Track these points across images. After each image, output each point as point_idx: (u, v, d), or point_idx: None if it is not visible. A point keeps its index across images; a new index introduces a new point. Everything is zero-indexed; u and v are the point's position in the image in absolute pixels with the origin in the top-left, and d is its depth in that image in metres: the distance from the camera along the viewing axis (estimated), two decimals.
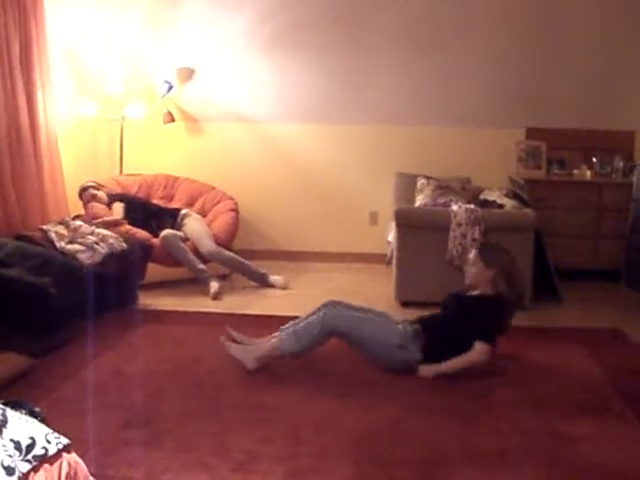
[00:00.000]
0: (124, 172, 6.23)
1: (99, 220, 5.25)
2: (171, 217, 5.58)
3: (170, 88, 6.14)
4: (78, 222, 4.87)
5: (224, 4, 6.08)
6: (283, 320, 3.87)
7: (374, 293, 5.12)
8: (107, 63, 6.12)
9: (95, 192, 5.51)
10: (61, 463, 1.79)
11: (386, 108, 6.18)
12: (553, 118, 5.99)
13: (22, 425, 1.79)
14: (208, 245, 5.36)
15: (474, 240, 4.70)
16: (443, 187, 5.45)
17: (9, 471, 1.65)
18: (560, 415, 3.21)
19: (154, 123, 6.28)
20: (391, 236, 5.35)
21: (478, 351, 3.57)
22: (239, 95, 6.30)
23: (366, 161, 6.28)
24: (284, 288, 5.38)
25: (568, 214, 5.63)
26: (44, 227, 4.65)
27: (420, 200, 5.43)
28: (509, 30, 5.89)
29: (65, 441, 1.83)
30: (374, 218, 6.30)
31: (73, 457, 1.85)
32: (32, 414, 2.25)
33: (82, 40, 6.02)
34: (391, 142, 6.22)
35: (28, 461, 1.71)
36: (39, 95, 5.11)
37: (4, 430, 1.74)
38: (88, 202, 5.50)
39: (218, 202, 6.00)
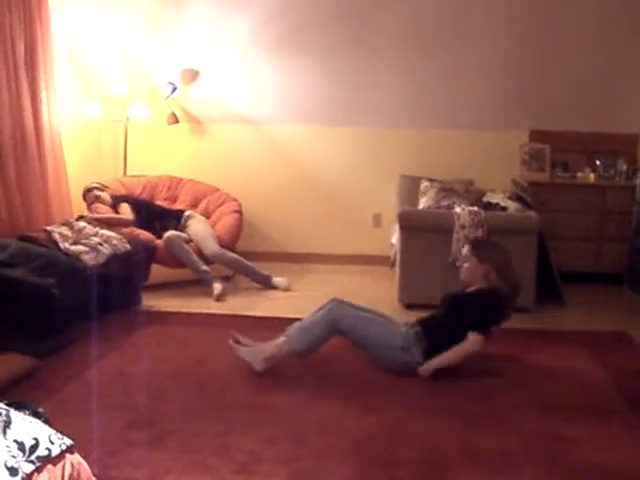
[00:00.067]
0: (128, 173, 6.24)
1: (111, 216, 5.33)
2: (175, 218, 5.59)
3: (174, 89, 6.15)
4: (82, 223, 4.88)
5: (228, 5, 6.09)
6: (286, 322, 3.87)
7: (377, 295, 5.12)
8: (111, 64, 6.13)
9: (99, 193, 5.52)
10: (64, 464, 1.80)
11: (390, 110, 6.18)
12: (557, 121, 5.98)
13: (26, 426, 1.80)
14: (212, 246, 5.36)
15: None
16: (447, 189, 5.45)
17: (12, 472, 1.65)
18: (562, 417, 3.21)
19: (158, 124, 6.29)
20: (394, 238, 5.35)
21: (471, 341, 3.58)
22: (243, 96, 6.31)
23: (370, 163, 6.28)
24: (287, 290, 5.39)
25: (571, 217, 5.63)
26: (48, 228, 4.66)
27: (423, 202, 5.43)
28: (512, 33, 5.89)
29: (68, 442, 1.83)
30: (377, 220, 6.31)
31: (76, 458, 1.86)
32: (36, 415, 2.26)
33: (86, 41, 6.03)
34: (395, 144, 6.22)
35: (31, 462, 1.71)
36: (43, 96, 5.12)
37: (8, 431, 1.74)
38: (92, 203, 5.51)
39: (222, 203, 6.01)
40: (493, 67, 5.96)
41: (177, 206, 5.95)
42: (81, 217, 5.12)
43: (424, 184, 5.61)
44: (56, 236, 4.53)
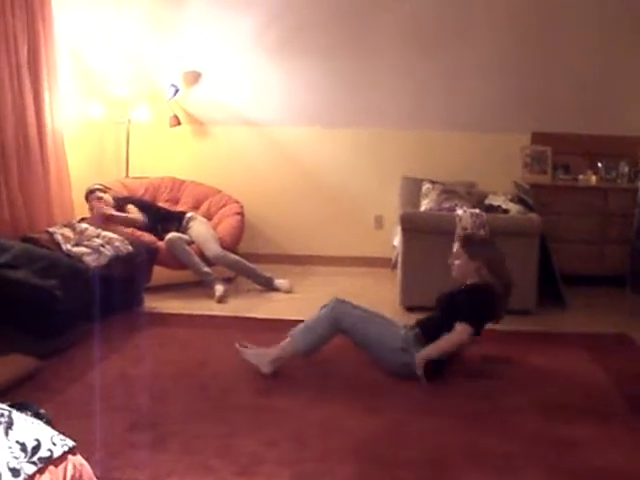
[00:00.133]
0: (130, 175, 6.24)
1: (125, 215, 5.38)
2: (177, 220, 5.59)
3: (176, 92, 6.16)
4: (84, 225, 4.89)
5: (230, 7, 6.10)
6: (288, 324, 3.88)
7: (379, 297, 5.12)
8: (113, 66, 6.14)
9: (102, 195, 5.52)
10: (66, 465, 1.80)
11: (391, 111, 6.18)
12: (559, 123, 5.98)
13: (28, 427, 1.80)
14: (213, 248, 5.37)
15: None
16: (448, 191, 5.45)
17: (15, 473, 1.66)
18: (563, 419, 3.22)
19: (160, 126, 6.30)
20: (396, 240, 5.35)
21: (458, 331, 3.58)
22: (245, 98, 6.31)
23: (371, 165, 6.28)
24: (289, 292, 5.39)
25: (573, 219, 5.62)
26: (50, 229, 4.67)
27: (425, 204, 5.43)
28: (513, 34, 5.88)
29: (70, 443, 1.84)
30: (379, 222, 6.31)
31: (78, 459, 1.86)
32: (38, 416, 2.27)
33: (89, 43, 6.03)
34: (397, 146, 6.22)
35: (33, 463, 1.71)
36: (46, 97, 5.12)
37: (10, 432, 1.75)
38: (94, 205, 5.52)
39: (224, 205, 6.01)
40: (494, 68, 5.96)
41: (179, 208, 5.95)
42: (83, 219, 5.13)
43: (426, 186, 5.61)
44: (58, 237, 4.54)
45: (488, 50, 5.94)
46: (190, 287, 5.32)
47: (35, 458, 1.72)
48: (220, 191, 6.13)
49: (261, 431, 3.03)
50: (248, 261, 5.50)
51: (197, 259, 5.28)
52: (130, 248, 4.76)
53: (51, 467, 1.75)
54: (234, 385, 3.54)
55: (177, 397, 3.40)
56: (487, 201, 5.41)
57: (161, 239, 5.31)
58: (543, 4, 5.85)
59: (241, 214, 5.93)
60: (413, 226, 4.90)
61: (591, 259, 5.66)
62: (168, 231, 5.39)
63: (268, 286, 5.42)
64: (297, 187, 6.34)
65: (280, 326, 4.06)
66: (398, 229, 5.09)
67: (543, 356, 4.07)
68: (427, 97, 6.10)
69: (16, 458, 1.69)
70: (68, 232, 4.68)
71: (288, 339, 3.65)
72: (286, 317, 4.48)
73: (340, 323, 3.65)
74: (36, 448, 1.74)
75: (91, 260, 4.41)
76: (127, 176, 6.22)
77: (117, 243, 4.71)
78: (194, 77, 6.29)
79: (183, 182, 6.22)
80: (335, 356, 3.82)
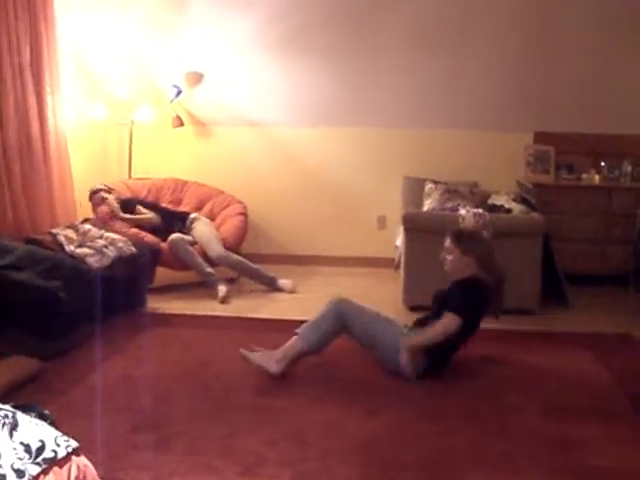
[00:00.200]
0: (133, 176, 6.25)
1: (139, 217, 5.42)
2: (180, 221, 5.60)
3: (179, 93, 6.17)
4: (87, 226, 4.89)
5: (232, 7, 6.09)
6: (291, 324, 3.88)
7: (382, 297, 5.12)
8: (116, 67, 6.15)
9: (106, 195, 5.54)
10: (70, 466, 1.80)
11: (394, 111, 6.18)
12: (561, 122, 5.97)
13: (32, 428, 1.81)
14: (216, 249, 5.37)
15: None
16: (451, 191, 5.45)
17: (19, 474, 1.66)
18: (566, 419, 3.21)
19: (163, 127, 6.30)
20: (399, 240, 5.35)
21: (445, 321, 3.59)
22: (247, 99, 6.32)
23: (374, 164, 6.28)
24: (292, 292, 5.39)
25: (576, 219, 5.61)
26: (53, 231, 4.67)
27: (428, 204, 5.43)
28: (516, 33, 5.87)
29: (74, 444, 1.84)
30: (382, 222, 6.31)
31: (82, 460, 1.86)
32: (42, 417, 2.26)
33: (91, 44, 6.04)
34: (399, 145, 6.22)
35: (38, 464, 1.72)
36: (49, 99, 5.13)
37: (14, 433, 1.75)
38: (98, 205, 5.53)
39: (227, 206, 6.02)
40: (497, 68, 5.95)
41: (182, 208, 5.96)
42: (86, 220, 5.14)
43: (428, 186, 5.61)
44: (61, 239, 4.55)
45: (490, 49, 5.93)
46: (193, 288, 5.33)
47: (39, 459, 1.73)
48: (223, 192, 6.14)
49: (264, 431, 3.03)
50: (251, 261, 5.50)
51: (200, 260, 5.28)
52: (133, 249, 4.77)
53: (55, 468, 1.76)
54: (237, 386, 3.55)
55: (180, 398, 3.40)
56: (490, 201, 5.41)
57: (164, 240, 5.31)
58: (545, 4, 5.84)
59: (244, 214, 5.93)
60: (416, 226, 4.90)
61: (594, 258, 5.65)
62: (171, 232, 5.39)
63: (271, 286, 5.42)
64: (300, 187, 6.35)
65: (284, 326, 4.07)
66: (401, 229, 5.09)
67: (546, 356, 4.07)
68: (430, 97, 6.10)
69: (20, 459, 1.69)
70: (71, 233, 4.69)
71: (295, 337, 3.65)
72: (289, 317, 4.49)
73: (344, 318, 3.67)
74: (40, 449, 1.75)
75: (94, 261, 4.42)
76: (130, 177, 6.23)
77: (120, 244, 4.72)
78: (196, 78, 6.30)
79: (186, 183, 6.22)
80: (337, 358, 3.82)
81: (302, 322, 3.76)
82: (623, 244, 5.59)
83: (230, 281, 5.43)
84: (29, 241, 4.44)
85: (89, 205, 5.57)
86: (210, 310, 4.91)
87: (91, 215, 5.51)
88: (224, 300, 5.10)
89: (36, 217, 4.98)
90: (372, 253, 6.26)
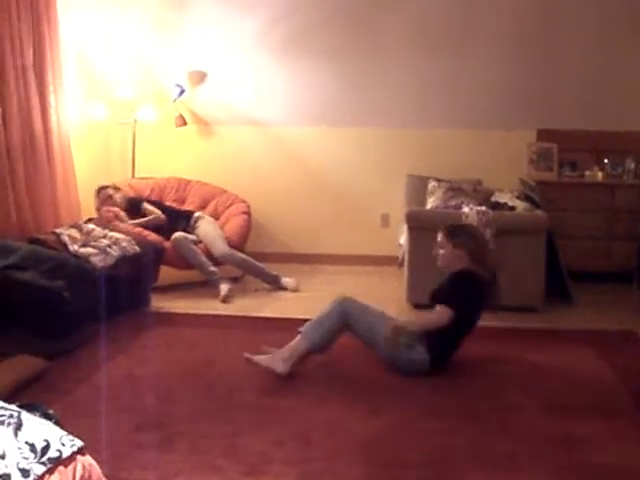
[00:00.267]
0: (136, 175, 6.26)
1: (140, 221, 5.42)
2: (184, 219, 5.62)
3: (182, 92, 6.17)
4: (91, 225, 4.90)
5: (235, 7, 6.11)
6: (295, 323, 3.88)
7: (385, 295, 5.12)
8: (119, 67, 6.16)
9: (112, 192, 5.57)
10: (75, 465, 1.81)
11: (397, 110, 6.18)
12: (564, 120, 5.97)
13: (37, 428, 1.81)
14: (221, 247, 5.38)
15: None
16: (454, 189, 5.44)
17: (24, 473, 1.66)
18: (569, 417, 3.21)
19: (166, 126, 6.31)
20: (402, 238, 5.35)
21: (437, 312, 3.63)
22: (250, 98, 6.32)
23: (377, 163, 6.28)
24: (295, 290, 5.39)
25: (580, 216, 5.61)
26: (57, 230, 4.68)
27: (431, 202, 5.43)
28: (519, 32, 5.88)
29: (79, 443, 1.84)
30: (385, 220, 6.31)
31: (87, 459, 1.87)
32: (46, 416, 2.27)
33: (94, 44, 6.06)
34: (402, 144, 6.22)
35: (43, 463, 1.72)
36: (52, 99, 5.15)
37: (19, 433, 1.76)
38: (104, 202, 5.54)
39: (230, 205, 6.03)
40: (499, 67, 5.95)
41: (184, 207, 5.97)
42: (89, 220, 5.15)
43: (432, 184, 5.61)
44: (65, 238, 4.55)
45: (492, 49, 5.94)
46: (197, 287, 5.33)
47: (44, 459, 1.73)
48: (226, 191, 6.14)
49: (267, 431, 3.03)
50: (255, 260, 5.51)
51: (203, 258, 5.29)
52: (137, 248, 4.78)
53: (60, 467, 1.76)
54: (240, 385, 3.55)
55: (184, 397, 3.40)
56: (493, 198, 5.40)
57: (167, 239, 5.32)
58: (545, 5, 5.86)
59: (247, 213, 5.94)
60: (419, 224, 4.90)
61: (598, 256, 5.65)
62: (175, 230, 5.40)
63: (275, 284, 5.43)
64: (303, 186, 6.35)
65: (287, 325, 4.07)
66: (404, 227, 5.09)
67: (549, 353, 4.07)
68: (432, 96, 6.10)
69: (26, 459, 1.70)
70: (75, 233, 4.69)
71: (299, 336, 3.65)
72: (293, 316, 4.49)
73: (347, 316, 3.67)
74: (45, 449, 1.75)
75: (98, 261, 4.42)
76: (133, 177, 6.24)
77: (124, 243, 4.72)
78: (199, 77, 6.30)
79: (189, 182, 6.23)
80: (340, 357, 3.82)
81: (306, 321, 3.76)
82: (626, 241, 5.59)
83: (234, 280, 5.43)
84: (33, 241, 4.44)
85: (92, 204, 5.59)
86: (214, 309, 4.91)
87: (94, 215, 5.52)
88: (225, 299, 5.10)
89: (40, 217, 4.99)
90: (376, 251, 6.26)
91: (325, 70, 6.15)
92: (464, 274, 3.74)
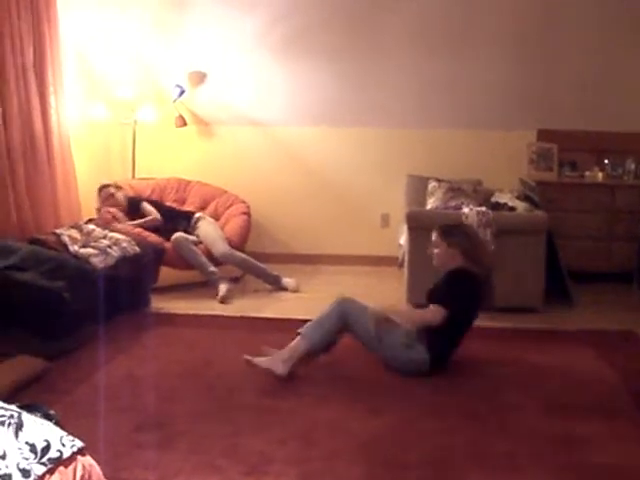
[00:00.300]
0: (137, 176, 6.26)
1: (141, 221, 5.41)
2: (185, 220, 5.62)
3: (182, 92, 6.17)
4: (91, 226, 4.90)
5: (235, 7, 6.11)
6: (295, 323, 3.88)
7: (385, 296, 5.11)
8: (119, 67, 6.16)
9: (114, 191, 5.58)
10: (76, 466, 1.81)
11: (397, 110, 6.18)
12: (564, 120, 5.97)
13: (37, 428, 1.81)
14: (221, 247, 5.38)
15: (486, 243, 4.71)
16: (454, 189, 5.44)
17: (25, 474, 1.67)
18: (570, 417, 3.21)
19: (166, 127, 6.31)
20: (403, 239, 5.35)
21: (430, 311, 3.64)
22: (250, 98, 6.32)
23: (377, 163, 6.29)
24: (295, 291, 5.39)
25: (580, 216, 5.61)
26: (57, 231, 4.68)
27: (431, 203, 5.43)
28: (519, 32, 5.88)
29: (80, 444, 1.84)
30: (385, 220, 6.31)
31: (88, 460, 1.87)
32: (47, 417, 2.28)
33: (94, 45, 6.06)
34: (402, 144, 6.22)
35: (43, 464, 1.72)
36: (52, 100, 5.15)
37: (20, 433, 1.76)
38: (105, 200, 5.55)
39: (230, 205, 6.03)
40: (499, 67, 5.96)
41: (186, 208, 5.97)
42: (90, 221, 5.15)
43: (432, 184, 5.61)
44: (65, 239, 4.55)
45: (492, 49, 5.94)
46: (197, 287, 5.33)
47: (45, 459, 1.73)
48: (226, 191, 6.14)
49: (268, 431, 3.03)
50: (255, 260, 5.51)
51: (203, 258, 5.29)
52: (137, 249, 4.78)
53: (61, 468, 1.76)
54: (240, 385, 3.55)
55: (184, 397, 3.40)
56: (493, 199, 5.40)
57: (167, 239, 5.32)
58: (546, 4, 5.86)
59: (247, 214, 5.94)
60: (419, 224, 4.90)
61: (598, 256, 5.65)
62: (176, 231, 5.40)
63: (275, 284, 5.43)
64: (303, 186, 6.35)
65: (287, 326, 4.07)
66: (404, 227, 5.09)
67: (549, 353, 4.07)
68: (432, 96, 6.10)
69: (26, 459, 1.70)
70: (75, 233, 4.69)
71: (299, 338, 3.65)
72: (293, 316, 4.49)
73: (347, 317, 3.67)
74: (46, 449, 1.75)
75: (98, 261, 4.43)
76: (133, 177, 6.24)
77: (124, 244, 4.72)
78: (199, 77, 6.30)
79: (189, 183, 6.23)
80: (340, 357, 3.81)
81: (306, 321, 3.75)
82: (627, 241, 5.59)
83: (234, 280, 5.44)
84: (33, 241, 4.44)
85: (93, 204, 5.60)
86: (214, 310, 4.91)
87: (95, 215, 5.52)
88: (224, 300, 5.10)
89: (40, 218, 4.99)
90: (376, 252, 6.26)
91: (325, 70, 6.15)
92: (459, 273, 3.75)
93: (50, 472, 1.73)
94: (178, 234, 5.33)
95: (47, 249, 4.33)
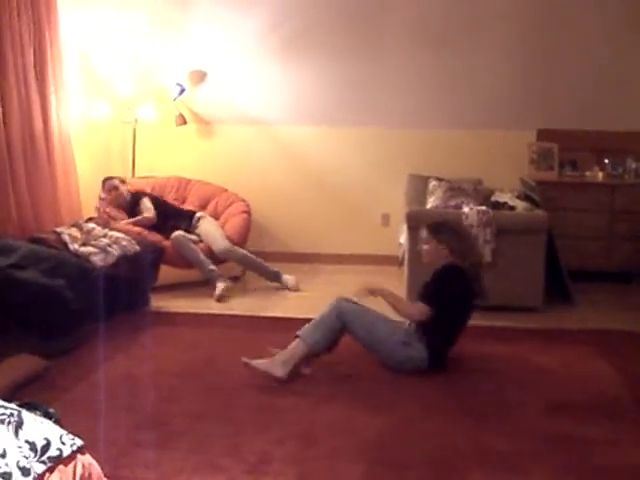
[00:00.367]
0: (137, 175, 6.26)
1: (134, 220, 5.41)
2: (187, 218, 5.62)
3: (182, 91, 6.17)
4: (91, 225, 4.90)
5: (236, 7, 6.10)
6: (295, 322, 3.88)
7: None
8: (119, 66, 6.15)
9: (118, 184, 5.59)
10: (75, 464, 1.81)
11: (397, 110, 6.18)
12: (565, 119, 5.97)
13: (37, 426, 1.81)
14: (221, 243, 5.38)
15: (486, 242, 4.71)
16: (455, 189, 5.44)
17: (25, 472, 1.67)
18: (571, 417, 3.21)
19: (166, 125, 6.31)
20: (403, 238, 5.35)
21: (417, 308, 3.71)
22: (251, 97, 6.32)
23: (377, 163, 6.28)
24: (295, 289, 5.39)
25: (580, 216, 5.61)
26: (58, 229, 4.68)
27: (432, 202, 5.42)
28: (519, 32, 5.88)
29: (79, 442, 1.84)
30: (386, 220, 6.30)
31: (87, 458, 1.87)
32: (47, 415, 2.27)
33: (94, 44, 6.05)
34: (402, 144, 6.22)
35: (43, 462, 1.72)
36: (53, 99, 5.14)
37: (20, 431, 1.76)
38: (109, 192, 5.56)
39: (230, 204, 6.02)
40: (499, 67, 5.95)
41: (186, 207, 5.97)
42: (90, 219, 5.15)
43: (432, 183, 5.61)
44: (66, 237, 4.55)
45: (493, 49, 5.93)
46: (197, 286, 5.33)
47: (45, 457, 1.73)
48: (226, 190, 6.14)
49: (268, 430, 3.03)
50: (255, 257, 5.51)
51: (203, 257, 5.29)
52: (137, 248, 4.78)
53: (60, 466, 1.76)
54: (240, 384, 3.55)
55: (184, 396, 3.41)
56: (493, 198, 5.40)
57: (167, 238, 5.32)
58: (546, 5, 5.85)
59: (248, 213, 5.93)
60: (419, 224, 4.88)
61: (598, 255, 5.64)
62: (177, 229, 5.40)
63: (276, 280, 5.43)
64: (303, 185, 6.35)
65: (287, 325, 4.08)
66: (404, 227, 5.09)
67: (549, 353, 4.07)
68: (433, 95, 6.10)
69: (26, 457, 1.70)
70: (75, 232, 4.70)
71: (297, 340, 3.64)
72: (293, 315, 4.49)
73: (345, 317, 3.68)
74: (45, 447, 1.75)
75: (98, 260, 4.42)
76: (134, 176, 6.23)
77: (124, 243, 4.72)
78: (200, 76, 6.30)
79: (189, 181, 6.23)
80: (341, 357, 3.81)
81: (306, 320, 3.76)
82: (627, 241, 5.59)
83: (234, 279, 5.44)
84: (33, 240, 4.44)
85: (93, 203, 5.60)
86: (213, 309, 4.91)
87: (95, 214, 5.52)
88: (220, 298, 5.10)
89: (40, 216, 4.99)
90: (376, 251, 6.25)
91: (326, 70, 6.15)
92: (447, 269, 3.76)
93: (50, 470, 1.73)
94: (177, 232, 5.33)
95: (47, 247, 4.33)
